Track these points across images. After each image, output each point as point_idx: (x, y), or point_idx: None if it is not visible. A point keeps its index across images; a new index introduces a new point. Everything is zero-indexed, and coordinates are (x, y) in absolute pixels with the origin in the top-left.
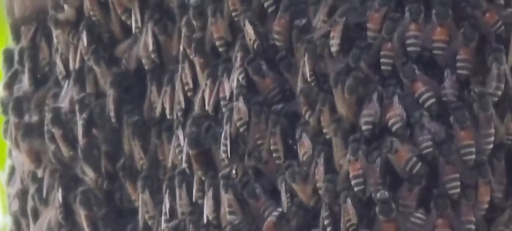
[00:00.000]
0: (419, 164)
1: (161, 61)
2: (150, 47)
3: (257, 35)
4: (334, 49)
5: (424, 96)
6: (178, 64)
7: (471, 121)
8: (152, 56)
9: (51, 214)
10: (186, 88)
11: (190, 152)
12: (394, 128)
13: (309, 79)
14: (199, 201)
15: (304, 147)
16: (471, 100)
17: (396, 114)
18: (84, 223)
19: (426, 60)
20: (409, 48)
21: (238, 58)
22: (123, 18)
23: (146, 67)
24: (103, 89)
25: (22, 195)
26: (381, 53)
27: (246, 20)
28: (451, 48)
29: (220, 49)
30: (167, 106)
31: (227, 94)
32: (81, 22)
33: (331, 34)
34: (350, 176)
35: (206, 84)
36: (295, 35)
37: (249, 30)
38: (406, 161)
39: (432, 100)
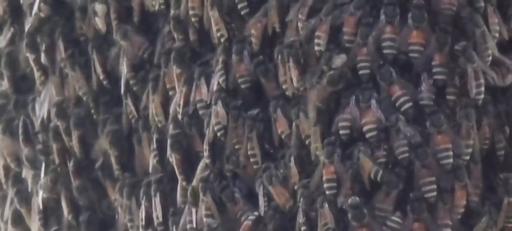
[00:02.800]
0: (381, 171)
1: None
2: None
3: (225, 28)
4: (320, 48)
5: (401, 100)
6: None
7: (448, 125)
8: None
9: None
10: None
11: (173, 156)
12: (368, 135)
13: (296, 85)
14: (182, 206)
15: (281, 125)
16: (457, 108)
17: (371, 121)
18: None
19: (402, 63)
20: (385, 51)
21: (220, 61)
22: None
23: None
24: (79, 94)
25: (1, 200)
26: (358, 58)
27: (215, 9)
28: (427, 52)
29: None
30: (157, 112)
31: (205, 97)
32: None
33: (317, 33)
34: (324, 179)
35: (181, 91)
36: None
37: (216, 19)
38: (369, 172)
39: (409, 104)
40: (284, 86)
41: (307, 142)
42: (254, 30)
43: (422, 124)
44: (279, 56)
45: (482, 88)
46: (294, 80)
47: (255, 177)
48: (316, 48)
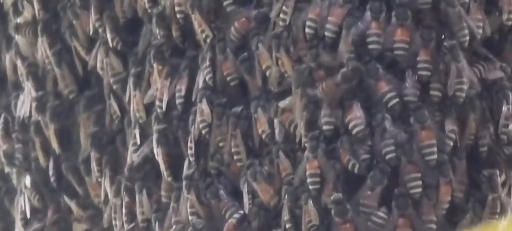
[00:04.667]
0: (357, 164)
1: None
2: (116, 68)
3: (209, 28)
4: (311, 32)
5: (388, 96)
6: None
7: (432, 120)
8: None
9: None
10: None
11: (159, 151)
12: (354, 131)
13: (287, 75)
14: (164, 200)
15: (261, 124)
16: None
17: (357, 116)
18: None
19: (387, 60)
20: (370, 46)
21: (207, 59)
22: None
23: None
24: (62, 90)
25: None
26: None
27: (196, 12)
28: (412, 49)
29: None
30: (138, 108)
31: (184, 88)
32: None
33: (309, 16)
34: (307, 173)
35: (163, 85)
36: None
37: (199, 21)
38: (346, 164)
39: (396, 100)
40: (267, 73)
41: (292, 129)
42: (237, 24)
43: (407, 120)
44: (260, 45)
45: (463, 86)
46: (288, 70)
47: (240, 174)
48: (307, 31)
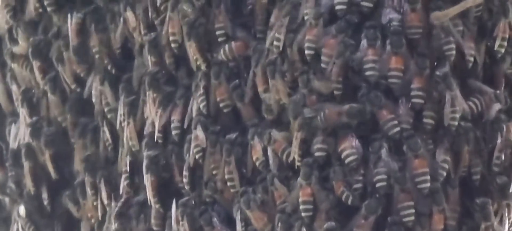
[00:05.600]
0: (351, 196)
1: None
2: (109, 98)
3: (203, 57)
4: (311, 52)
5: (389, 124)
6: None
7: (425, 148)
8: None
9: None
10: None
11: (148, 177)
12: (347, 161)
13: (282, 102)
14: (155, 229)
15: (256, 152)
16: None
17: (350, 146)
18: None
19: (381, 88)
20: (367, 73)
21: (201, 87)
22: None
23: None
24: (55, 116)
25: None
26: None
27: (192, 40)
28: (406, 77)
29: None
30: (131, 137)
31: (179, 118)
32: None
33: (307, 38)
34: (300, 200)
35: (156, 113)
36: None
37: (194, 49)
38: (340, 195)
39: (397, 129)
40: (262, 97)
41: (284, 157)
42: (234, 46)
43: (400, 148)
44: (259, 67)
45: (457, 115)
46: (283, 97)
47: (233, 201)
48: (308, 52)
